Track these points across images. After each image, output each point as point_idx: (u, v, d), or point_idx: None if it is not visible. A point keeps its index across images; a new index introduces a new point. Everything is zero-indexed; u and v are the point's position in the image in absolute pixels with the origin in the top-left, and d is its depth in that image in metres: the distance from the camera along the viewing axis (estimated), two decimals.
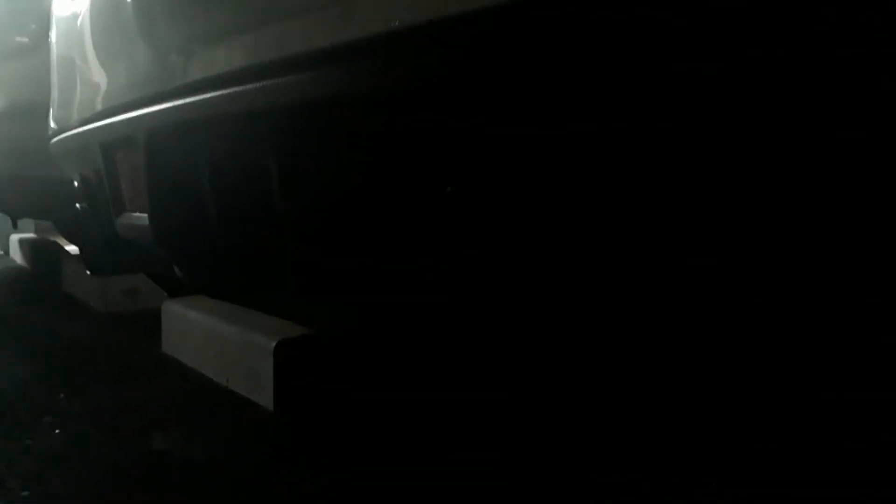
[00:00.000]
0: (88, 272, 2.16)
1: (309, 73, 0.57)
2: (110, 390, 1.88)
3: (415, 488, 1.26)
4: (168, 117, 0.74)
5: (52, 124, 1.38)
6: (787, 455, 0.69)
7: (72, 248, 3.32)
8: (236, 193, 0.71)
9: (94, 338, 2.44)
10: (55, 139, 1.34)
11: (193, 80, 0.72)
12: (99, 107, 0.98)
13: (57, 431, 1.58)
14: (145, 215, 0.88)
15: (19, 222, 3.49)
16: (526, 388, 1.07)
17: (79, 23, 1.21)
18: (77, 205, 1.39)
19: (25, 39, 2.37)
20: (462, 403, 1.32)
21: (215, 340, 1.86)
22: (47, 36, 1.46)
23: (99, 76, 1.00)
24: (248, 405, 1.69)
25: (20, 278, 3.94)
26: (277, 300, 1.70)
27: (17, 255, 4.37)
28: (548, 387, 1.01)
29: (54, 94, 1.37)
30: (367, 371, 1.55)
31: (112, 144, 0.93)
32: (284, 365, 1.57)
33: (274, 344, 1.59)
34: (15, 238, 4.41)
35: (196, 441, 1.54)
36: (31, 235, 4.22)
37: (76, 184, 1.35)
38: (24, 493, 1.31)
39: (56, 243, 3.66)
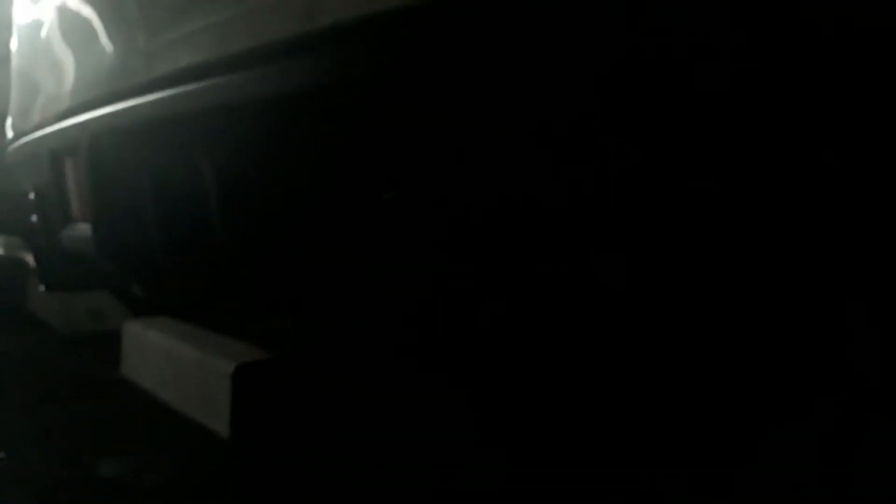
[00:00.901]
0: (43, 288, 2.10)
1: (243, 73, 0.54)
2: (62, 411, 1.81)
3: None
4: (107, 122, 0.71)
5: (9, 132, 1.34)
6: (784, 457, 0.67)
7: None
8: (176, 204, 0.68)
9: (53, 358, 2.37)
10: (10, 147, 1.30)
11: (130, 84, 0.69)
12: (48, 113, 0.95)
13: (1, 455, 1.52)
14: (89, 226, 0.84)
15: None
16: (500, 409, 1.04)
17: (32, 30, 1.19)
18: (33, 217, 1.35)
19: None
20: (434, 431, 1.28)
21: (173, 363, 1.80)
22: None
23: (49, 82, 0.97)
24: (204, 431, 1.63)
25: None
26: (241, 321, 1.65)
27: None
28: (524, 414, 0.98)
29: (13, 101, 1.33)
30: (330, 398, 1.50)
31: (59, 151, 0.90)
32: (242, 390, 1.51)
33: (232, 368, 1.53)
34: None
35: (146, 467, 1.48)
36: None
37: (31, 195, 1.31)
38: None
39: (22, 260, 3.58)
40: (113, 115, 0.71)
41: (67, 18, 0.98)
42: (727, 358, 0.64)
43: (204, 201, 0.64)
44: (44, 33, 1.04)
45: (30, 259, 3.50)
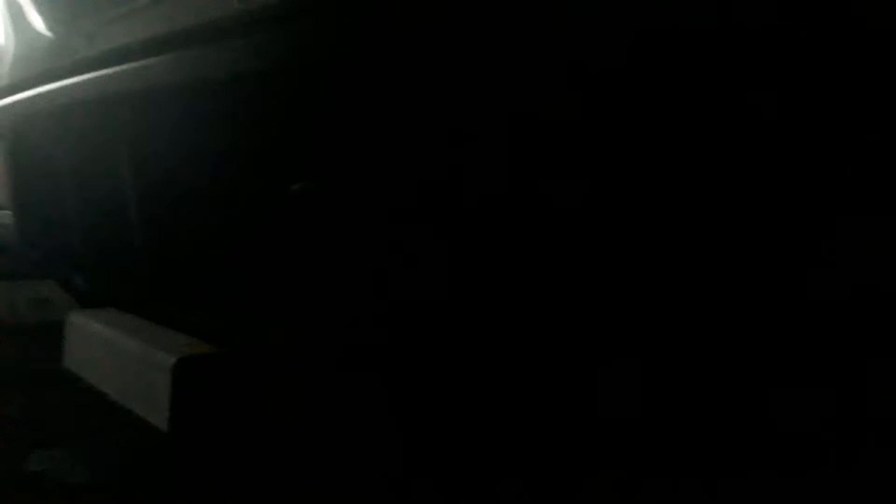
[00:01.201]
0: None
1: (154, 59, 0.53)
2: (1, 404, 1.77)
3: None
4: (27, 107, 0.69)
5: None
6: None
7: None
8: (96, 193, 0.66)
9: None
10: None
11: (48, 68, 0.67)
12: None
13: None
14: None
15: None
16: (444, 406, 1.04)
17: None
18: None
19: None
20: (382, 425, 1.27)
21: (115, 355, 1.77)
22: None
23: None
24: (143, 425, 1.60)
25: None
26: (188, 315, 1.63)
27: None
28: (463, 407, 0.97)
29: None
30: (274, 393, 1.48)
31: None
32: (182, 384, 1.49)
33: (173, 361, 1.51)
34: None
35: (80, 461, 1.45)
36: None
37: None
38: None
39: None
40: (31, 99, 0.69)
41: None
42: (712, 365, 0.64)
43: (122, 192, 0.63)
44: None
45: None
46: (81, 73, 0.62)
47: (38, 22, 0.81)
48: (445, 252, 0.60)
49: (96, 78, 0.61)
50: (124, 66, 0.59)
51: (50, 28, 0.80)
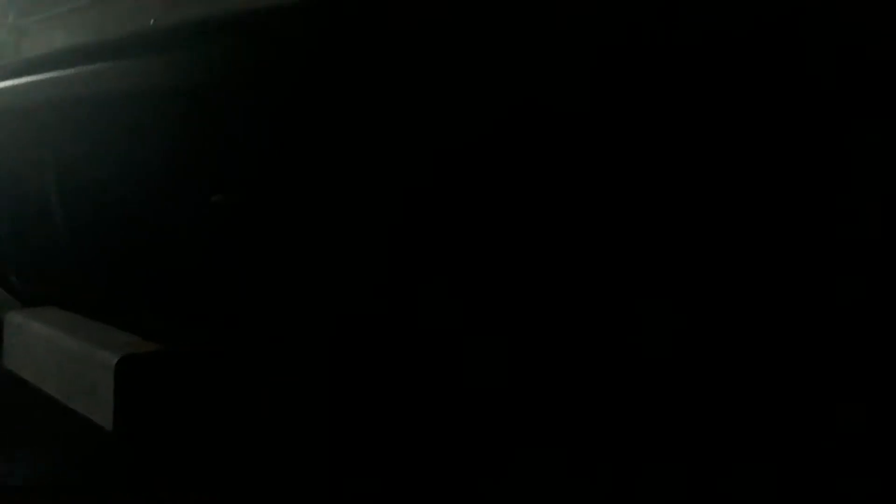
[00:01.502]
0: None
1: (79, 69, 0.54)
2: None
3: None
4: None
5: None
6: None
7: None
8: (21, 196, 0.66)
9: None
10: None
11: None
12: None
13: None
14: None
15: None
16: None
17: None
18: None
19: None
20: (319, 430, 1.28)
21: (57, 354, 1.74)
22: None
23: None
24: (87, 425, 1.58)
25: None
26: (130, 314, 1.61)
27: None
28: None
29: None
30: (220, 393, 1.48)
31: None
32: (126, 382, 1.48)
33: (116, 360, 1.50)
34: None
35: (19, 462, 1.43)
36: None
37: None
38: None
39: None
40: None
41: None
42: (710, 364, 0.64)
43: (48, 194, 0.63)
44: None
45: None
46: (7, 78, 0.61)
47: None
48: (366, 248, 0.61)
49: (20, 84, 0.61)
50: (48, 75, 0.59)
51: None
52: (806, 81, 0.50)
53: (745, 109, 0.51)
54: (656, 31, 0.49)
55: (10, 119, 0.64)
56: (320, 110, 0.49)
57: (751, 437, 0.66)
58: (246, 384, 1.37)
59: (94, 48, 0.54)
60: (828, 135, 0.51)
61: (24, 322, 1.97)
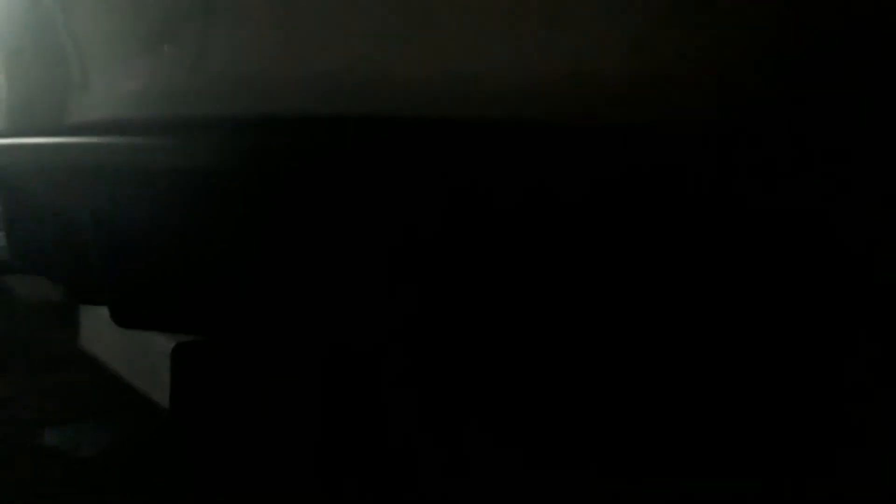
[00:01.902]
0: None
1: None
2: (16, 384, 1.91)
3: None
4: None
5: None
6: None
7: None
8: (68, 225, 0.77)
9: (14, 328, 2.46)
10: None
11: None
12: None
13: None
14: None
15: None
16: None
17: None
18: None
19: None
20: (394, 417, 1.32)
21: (123, 338, 1.91)
22: None
23: None
24: (148, 403, 1.74)
25: None
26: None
27: None
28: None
29: None
30: (265, 380, 1.59)
31: None
32: (180, 367, 1.62)
33: (172, 346, 1.64)
34: None
35: (87, 437, 1.59)
36: None
37: None
38: None
39: None
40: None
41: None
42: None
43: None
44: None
45: None
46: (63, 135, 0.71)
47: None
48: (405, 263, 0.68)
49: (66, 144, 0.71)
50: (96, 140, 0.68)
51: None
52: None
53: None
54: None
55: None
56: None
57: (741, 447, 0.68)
58: (289, 379, 1.48)
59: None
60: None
61: (96, 307, 2.15)
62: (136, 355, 1.84)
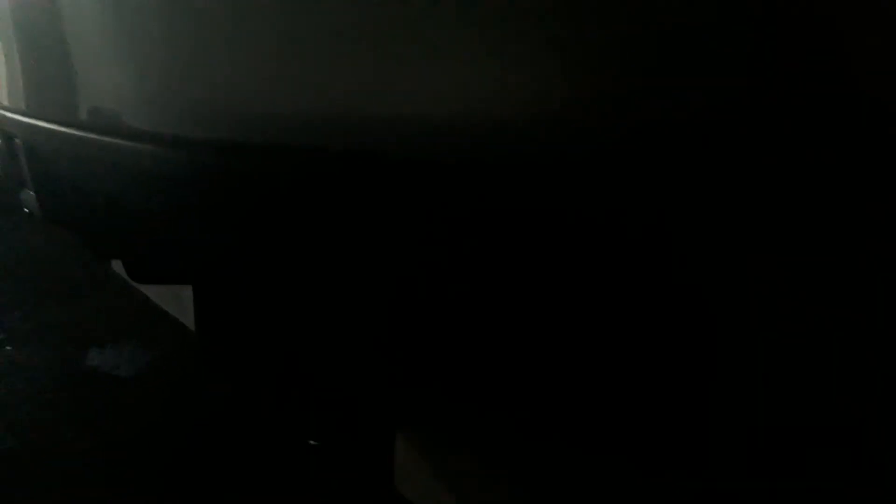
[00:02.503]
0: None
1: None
2: (59, 307, 2.12)
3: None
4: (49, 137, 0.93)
5: None
6: None
7: None
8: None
9: (54, 252, 2.67)
10: None
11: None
12: (6, 100, 1.15)
13: (8, 348, 1.84)
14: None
15: None
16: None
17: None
18: None
19: None
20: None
21: None
22: None
23: (12, 66, 1.13)
24: (177, 325, 1.94)
25: None
26: None
27: None
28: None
29: None
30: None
31: (11, 135, 1.12)
32: (203, 294, 1.80)
33: None
34: None
35: (125, 358, 1.80)
36: None
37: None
38: None
39: None
40: (57, 136, 0.93)
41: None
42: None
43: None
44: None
45: None
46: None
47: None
48: None
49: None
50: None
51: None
52: None
53: None
54: None
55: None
56: None
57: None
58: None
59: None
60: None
61: None
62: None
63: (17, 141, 1.13)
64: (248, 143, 0.68)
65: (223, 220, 0.80)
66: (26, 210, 1.24)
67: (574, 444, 0.91)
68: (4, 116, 1.10)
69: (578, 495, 0.95)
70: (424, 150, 0.63)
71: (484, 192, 0.62)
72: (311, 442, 1.35)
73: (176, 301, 2.04)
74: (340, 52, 0.64)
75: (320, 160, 0.66)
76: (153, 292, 2.16)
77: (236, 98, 0.71)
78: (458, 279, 0.70)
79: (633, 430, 0.77)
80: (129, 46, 0.81)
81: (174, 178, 0.76)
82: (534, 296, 0.69)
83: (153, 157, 0.75)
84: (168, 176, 0.76)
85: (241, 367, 1.76)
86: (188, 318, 2.01)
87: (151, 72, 0.78)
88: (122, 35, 0.82)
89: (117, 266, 2.45)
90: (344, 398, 1.34)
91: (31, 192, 1.13)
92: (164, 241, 0.96)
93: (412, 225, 0.67)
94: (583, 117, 0.56)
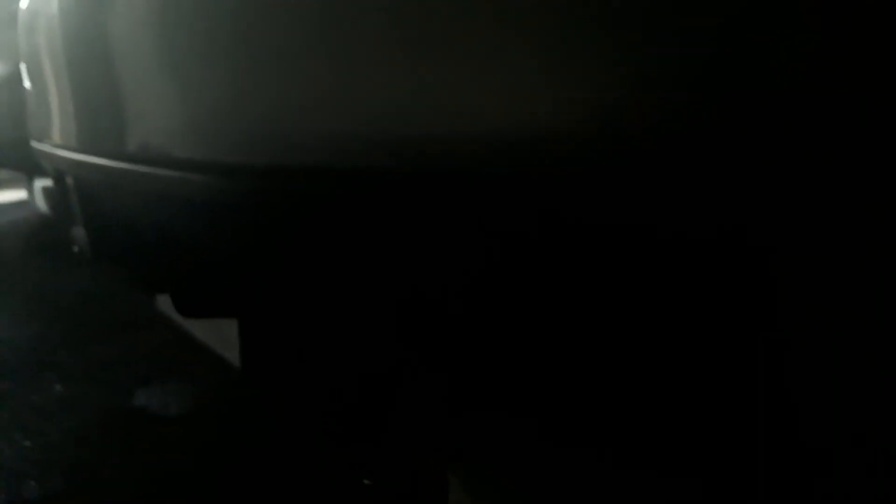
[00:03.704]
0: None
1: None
2: (105, 346, 2.14)
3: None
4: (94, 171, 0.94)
5: (30, 128, 1.56)
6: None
7: None
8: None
9: (97, 291, 2.70)
10: (32, 143, 1.53)
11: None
12: (58, 138, 1.17)
13: (57, 387, 1.85)
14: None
15: None
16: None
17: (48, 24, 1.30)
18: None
19: None
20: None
21: None
22: None
23: (63, 104, 1.15)
24: (221, 362, 1.94)
25: (38, 225, 4.22)
26: None
27: (40, 202, 4.63)
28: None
29: (29, 98, 1.52)
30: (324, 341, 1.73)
31: (62, 173, 1.14)
32: (249, 328, 1.79)
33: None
34: (39, 185, 4.66)
35: (171, 395, 1.80)
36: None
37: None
38: (27, 444, 1.57)
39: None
40: (100, 168, 0.93)
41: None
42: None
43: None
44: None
45: None
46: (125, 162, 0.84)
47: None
48: None
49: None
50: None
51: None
52: None
53: None
54: None
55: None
56: None
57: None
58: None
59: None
60: None
61: None
62: (211, 320, 2.03)
63: (67, 178, 1.14)
64: (297, 166, 0.68)
65: (272, 246, 0.79)
66: (75, 248, 1.25)
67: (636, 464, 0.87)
68: (55, 154, 1.12)
69: None
70: (477, 166, 0.61)
71: (538, 205, 0.61)
72: (365, 481, 1.32)
73: (220, 337, 2.04)
74: (387, 71, 0.63)
75: (375, 181, 0.64)
76: (197, 329, 2.17)
77: (286, 123, 0.70)
78: (512, 294, 0.68)
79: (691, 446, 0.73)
80: (177, 76, 0.81)
81: (224, 207, 0.75)
82: (586, 308, 0.68)
83: (203, 187, 0.75)
84: (218, 204, 0.76)
85: (289, 402, 1.75)
86: (233, 355, 2.01)
87: (200, 101, 0.78)
88: (170, 65, 0.82)
89: (162, 304, 2.47)
90: (397, 434, 1.32)
91: (82, 229, 1.13)
92: (214, 271, 0.95)
93: (467, 243, 0.65)
94: (630, 128, 0.54)
